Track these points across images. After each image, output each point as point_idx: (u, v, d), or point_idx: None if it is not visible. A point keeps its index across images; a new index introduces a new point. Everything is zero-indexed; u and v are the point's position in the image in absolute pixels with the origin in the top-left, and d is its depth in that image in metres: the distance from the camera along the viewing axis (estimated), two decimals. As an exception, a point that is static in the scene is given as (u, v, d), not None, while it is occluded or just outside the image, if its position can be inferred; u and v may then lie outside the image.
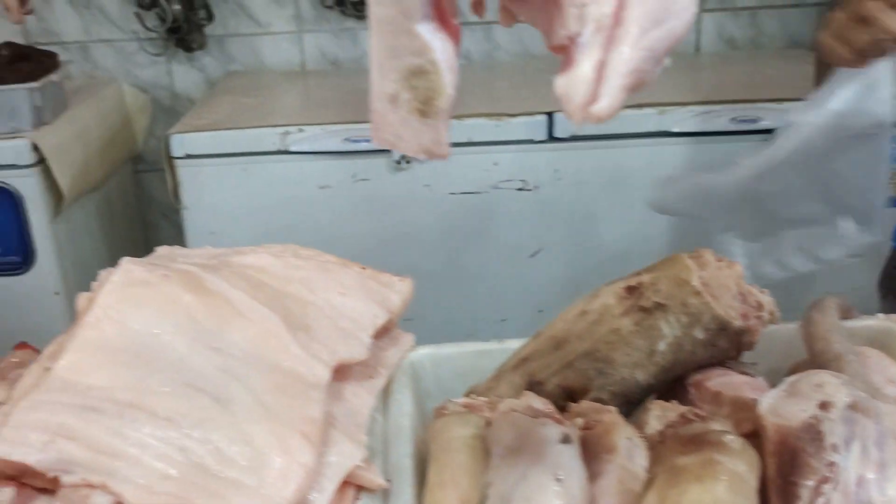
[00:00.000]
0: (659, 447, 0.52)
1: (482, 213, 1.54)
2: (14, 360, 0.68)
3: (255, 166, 1.52)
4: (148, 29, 1.75)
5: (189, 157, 1.50)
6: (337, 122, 1.51)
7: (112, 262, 1.92)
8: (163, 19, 1.72)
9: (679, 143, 1.52)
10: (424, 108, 0.39)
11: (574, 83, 0.33)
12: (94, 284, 0.64)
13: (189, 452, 0.52)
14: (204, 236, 1.54)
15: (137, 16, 1.73)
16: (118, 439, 0.52)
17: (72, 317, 1.60)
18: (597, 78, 0.33)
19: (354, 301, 0.68)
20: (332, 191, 1.53)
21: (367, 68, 1.63)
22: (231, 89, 1.74)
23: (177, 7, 1.71)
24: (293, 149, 1.50)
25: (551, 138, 1.51)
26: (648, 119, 1.49)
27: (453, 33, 0.39)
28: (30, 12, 1.49)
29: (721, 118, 1.49)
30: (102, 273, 0.65)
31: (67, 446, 0.52)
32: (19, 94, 1.47)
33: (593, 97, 0.33)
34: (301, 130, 1.50)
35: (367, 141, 1.50)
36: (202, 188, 1.52)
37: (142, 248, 1.92)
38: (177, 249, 0.73)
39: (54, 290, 1.55)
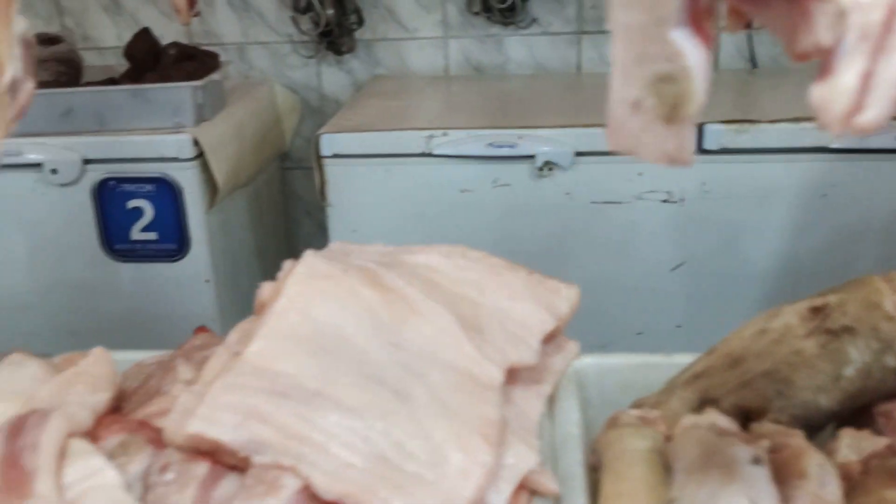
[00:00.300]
0: (862, 478, 0.50)
1: (623, 224, 1.52)
2: (197, 342, 0.71)
3: (398, 168, 1.55)
4: (302, 32, 1.81)
5: (337, 156, 1.54)
6: (481, 127, 1.53)
7: (258, 254, 1.99)
8: (316, 23, 1.78)
9: (837, 160, 1.45)
10: (671, 115, 0.39)
11: (835, 93, 0.32)
12: (279, 275, 0.66)
13: (372, 443, 0.53)
14: (346, 234, 1.58)
15: (293, 19, 1.80)
16: (306, 425, 0.54)
17: (220, 304, 1.68)
18: (861, 88, 0.31)
19: (523, 305, 0.68)
20: (472, 195, 1.54)
21: (510, 74, 1.64)
22: (377, 92, 1.78)
23: (330, 12, 1.77)
24: (437, 152, 1.52)
25: (700, 150, 1.47)
26: (806, 134, 1.43)
27: (706, 39, 0.38)
28: (197, 14, 1.57)
29: (888, 135, 1.41)
30: (286, 263, 0.68)
31: (258, 428, 0.54)
32: (184, 92, 1.55)
33: (857, 107, 0.32)
34: (445, 134, 1.52)
35: (511, 146, 1.51)
36: (347, 187, 1.56)
37: (284, 243, 2.00)
38: (349, 245, 0.75)
39: (205, 278, 1.62)
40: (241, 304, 1.75)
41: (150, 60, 1.63)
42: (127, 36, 1.66)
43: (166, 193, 1.57)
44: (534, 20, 1.82)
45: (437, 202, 1.56)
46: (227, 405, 0.55)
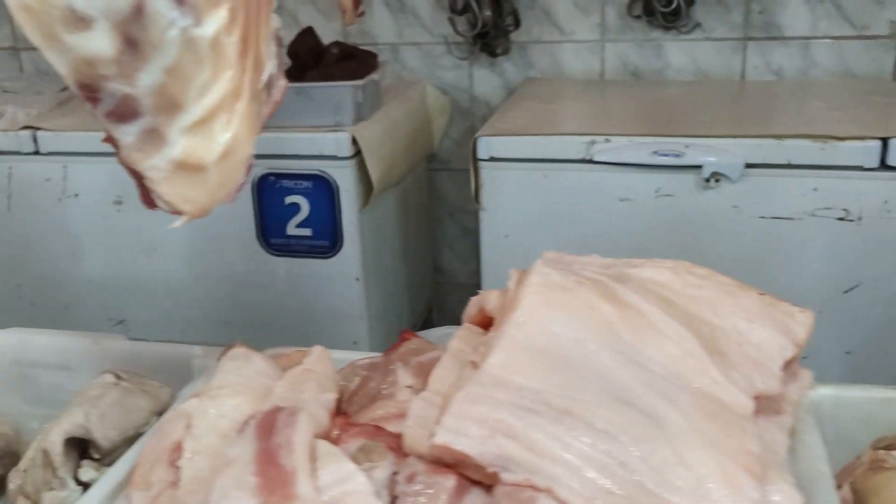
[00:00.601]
0: None
1: (794, 241, 1.44)
2: (412, 346, 0.70)
3: (556, 173, 1.52)
4: (458, 33, 1.81)
5: (494, 159, 1.52)
6: (645, 135, 1.48)
7: (403, 254, 2.00)
8: (473, 25, 1.77)
9: None
10: None
11: None
12: (508, 283, 0.64)
13: (629, 469, 0.51)
14: (499, 239, 1.57)
15: (451, 20, 1.79)
16: (558, 445, 0.52)
17: (368, 302, 1.69)
18: None
19: (760, 329, 0.64)
20: (632, 204, 1.50)
21: (668, 80, 1.57)
22: (531, 95, 1.75)
23: (488, 13, 1.75)
24: (597, 159, 1.48)
25: (884, 166, 1.37)
26: None
27: None
28: (362, 14, 1.58)
29: None
30: (513, 272, 0.66)
31: (507, 444, 0.52)
32: (345, 91, 1.57)
33: None
34: (607, 140, 1.48)
35: (676, 155, 1.45)
36: (502, 191, 1.54)
37: (427, 244, 2.00)
38: (564, 255, 0.72)
39: (355, 276, 1.63)
40: (387, 303, 1.76)
41: (312, 59, 1.65)
42: (286, 34, 1.69)
43: (323, 191, 1.59)
44: (697, 25, 1.75)
45: (594, 210, 1.52)
46: (473, 417, 0.54)
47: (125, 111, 0.52)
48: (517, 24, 1.80)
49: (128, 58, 0.51)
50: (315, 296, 1.66)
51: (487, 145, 1.52)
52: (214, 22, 0.53)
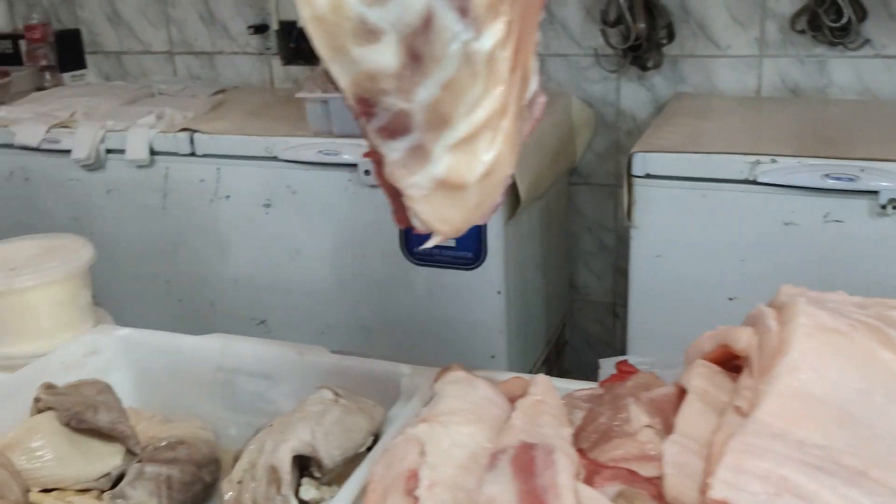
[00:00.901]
0: None
1: (981, 277, 1.34)
2: (641, 380, 0.66)
3: (715, 193, 1.45)
4: (609, 45, 1.76)
5: (649, 176, 1.47)
6: (815, 156, 1.40)
7: (544, 268, 1.94)
8: (626, 37, 1.72)
9: None
10: None
11: None
12: (768, 321, 0.59)
13: (943, 543, 0.45)
14: (649, 259, 1.51)
15: (603, 32, 1.75)
16: (857, 510, 0.47)
17: (509, 316, 1.65)
18: None
19: None
20: (797, 229, 1.42)
21: (830, 99, 1.47)
22: (683, 111, 1.69)
23: (642, 25, 1.70)
24: (762, 180, 1.41)
25: None
26: None
27: None
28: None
29: None
30: (767, 309, 0.61)
31: None
32: (496, 101, 1.54)
33: None
34: (773, 161, 1.41)
35: (850, 179, 1.37)
36: (656, 209, 1.49)
37: (564, 258, 1.96)
38: (807, 291, 0.67)
39: (497, 289, 1.61)
40: (526, 318, 1.72)
41: (462, 68, 1.63)
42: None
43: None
44: (866, 41, 1.66)
45: (755, 233, 1.44)
46: (753, 472, 0.49)
47: (397, 127, 0.50)
48: (671, 37, 1.74)
49: (409, 72, 0.48)
50: (455, 307, 1.64)
51: (643, 161, 1.47)
52: (492, 35, 0.50)
